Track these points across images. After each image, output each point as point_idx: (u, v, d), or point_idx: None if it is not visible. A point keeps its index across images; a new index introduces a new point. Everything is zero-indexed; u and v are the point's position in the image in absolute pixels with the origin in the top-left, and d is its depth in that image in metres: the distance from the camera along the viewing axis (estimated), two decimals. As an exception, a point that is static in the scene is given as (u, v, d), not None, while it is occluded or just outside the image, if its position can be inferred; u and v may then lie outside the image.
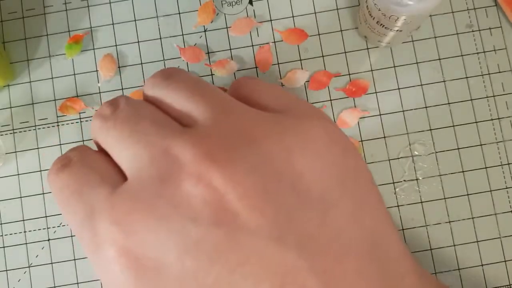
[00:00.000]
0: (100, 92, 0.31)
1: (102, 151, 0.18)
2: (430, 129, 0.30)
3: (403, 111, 0.30)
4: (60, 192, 0.17)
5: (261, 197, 0.15)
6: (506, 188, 0.29)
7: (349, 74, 0.30)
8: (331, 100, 0.30)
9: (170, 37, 0.31)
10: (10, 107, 0.31)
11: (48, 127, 0.31)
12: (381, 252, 0.17)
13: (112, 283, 0.16)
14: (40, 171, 0.30)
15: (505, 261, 0.29)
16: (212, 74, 0.31)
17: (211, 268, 0.15)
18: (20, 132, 0.31)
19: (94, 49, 0.31)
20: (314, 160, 0.16)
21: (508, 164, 0.29)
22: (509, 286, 0.29)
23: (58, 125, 0.31)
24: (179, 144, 0.16)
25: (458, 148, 0.30)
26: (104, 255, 0.16)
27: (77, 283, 0.29)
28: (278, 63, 0.31)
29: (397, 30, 0.26)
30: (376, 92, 0.30)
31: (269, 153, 0.16)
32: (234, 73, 0.31)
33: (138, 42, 0.31)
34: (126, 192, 0.16)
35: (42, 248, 0.30)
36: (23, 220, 0.30)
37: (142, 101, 0.19)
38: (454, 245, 0.29)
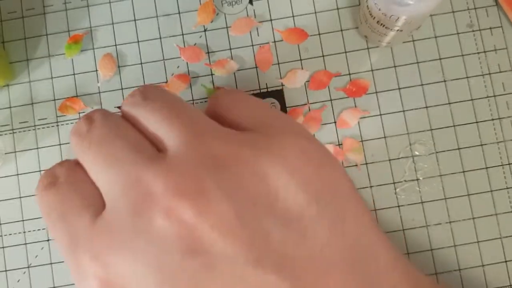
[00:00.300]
0: (99, 92, 0.31)
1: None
2: (431, 129, 0.30)
3: (403, 111, 0.30)
4: (46, 215, 0.18)
5: (234, 224, 0.15)
6: (507, 188, 0.29)
7: (350, 74, 0.30)
8: (331, 100, 0.30)
9: (170, 36, 0.31)
10: (10, 107, 0.31)
11: (48, 127, 0.31)
12: (368, 263, 0.17)
13: None
14: (40, 171, 0.30)
15: (505, 261, 0.29)
16: (212, 74, 0.31)
17: None
18: (19, 132, 0.31)
19: (93, 48, 0.31)
20: (289, 179, 0.16)
21: (509, 164, 0.29)
22: (510, 287, 0.29)
23: (57, 125, 0.31)
24: (150, 175, 0.16)
25: (459, 148, 0.30)
26: (88, 285, 0.16)
27: (77, 284, 0.29)
28: (278, 63, 0.30)
29: (398, 30, 0.26)
30: (376, 92, 0.30)
31: (241, 177, 0.16)
32: (234, 73, 0.30)
33: (138, 41, 0.31)
34: (104, 224, 0.16)
35: (42, 249, 0.30)
36: (23, 221, 0.30)
37: (119, 118, 0.19)
38: (455, 246, 0.29)
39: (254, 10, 0.31)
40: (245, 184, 0.16)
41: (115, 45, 0.31)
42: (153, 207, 0.16)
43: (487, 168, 0.29)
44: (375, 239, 0.18)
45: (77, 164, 0.19)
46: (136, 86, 0.31)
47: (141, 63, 0.31)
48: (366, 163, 0.30)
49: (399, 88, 0.30)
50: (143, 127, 0.18)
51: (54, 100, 0.31)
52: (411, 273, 0.19)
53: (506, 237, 0.29)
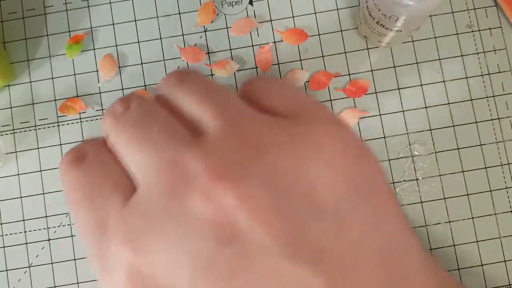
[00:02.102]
0: (100, 92, 0.31)
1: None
2: (430, 129, 0.30)
3: (403, 111, 0.30)
4: (71, 192, 0.17)
5: (273, 213, 0.15)
6: (506, 188, 0.29)
7: (349, 74, 0.30)
8: (331, 100, 0.30)
9: (170, 37, 0.31)
10: (11, 107, 0.31)
11: (49, 127, 0.31)
12: (400, 262, 0.17)
13: None
14: (41, 171, 0.30)
15: (504, 261, 0.29)
16: (212, 74, 0.31)
17: None
18: (20, 132, 0.31)
19: (94, 49, 0.31)
20: (327, 169, 0.16)
21: (508, 164, 0.30)
22: (508, 286, 0.29)
23: (58, 125, 0.31)
24: (187, 157, 0.16)
25: (458, 148, 0.30)
26: (114, 277, 0.15)
27: (77, 283, 0.29)
28: (278, 63, 0.31)
29: (397, 30, 0.26)
30: (376, 92, 0.30)
31: (280, 166, 0.16)
32: (234, 73, 0.31)
33: (139, 42, 0.31)
34: (137, 207, 0.16)
35: (42, 248, 0.30)
36: (23, 220, 0.30)
37: (154, 104, 0.18)
38: (454, 245, 0.29)
39: (254, 10, 0.31)
40: (284, 173, 0.16)
41: (116, 45, 0.31)
42: (190, 189, 0.15)
43: (486, 168, 0.30)
44: (408, 238, 0.18)
45: (105, 144, 0.18)
46: (137, 87, 0.31)
47: (142, 64, 0.31)
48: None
49: (399, 88, 0.30)
50: (179, 110, 0.18)
51: (55, 100, 0.31)
52: (439, 274, 0.19)
53: (505, 236, 0.29)
